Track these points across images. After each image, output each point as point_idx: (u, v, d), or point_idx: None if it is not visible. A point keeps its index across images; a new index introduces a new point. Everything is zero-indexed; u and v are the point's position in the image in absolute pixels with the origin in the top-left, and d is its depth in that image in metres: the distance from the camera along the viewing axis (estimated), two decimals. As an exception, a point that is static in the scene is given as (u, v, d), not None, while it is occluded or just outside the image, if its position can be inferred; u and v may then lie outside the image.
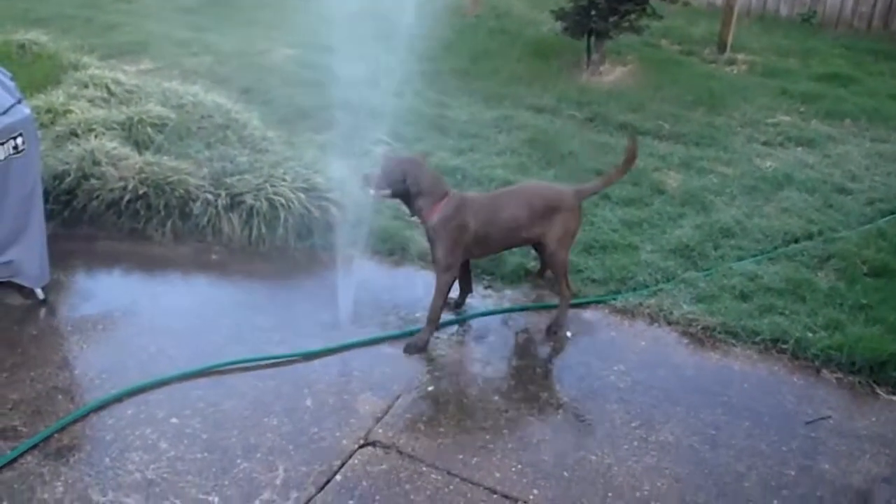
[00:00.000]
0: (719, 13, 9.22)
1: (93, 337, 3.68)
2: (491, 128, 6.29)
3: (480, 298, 4.18)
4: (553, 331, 3.92)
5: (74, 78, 6.01)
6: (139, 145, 5.03)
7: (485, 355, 3.75)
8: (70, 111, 5.35)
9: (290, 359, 3.61)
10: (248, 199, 4.47)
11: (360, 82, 7.08)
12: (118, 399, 3.28)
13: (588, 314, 4.11)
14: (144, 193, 4.49)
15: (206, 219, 4.46)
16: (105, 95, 5.81)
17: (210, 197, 4.49)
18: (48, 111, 5.35)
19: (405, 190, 3.63)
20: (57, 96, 5.58)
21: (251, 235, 4.44)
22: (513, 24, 9.14)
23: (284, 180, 4.58)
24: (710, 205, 5.24)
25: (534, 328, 3.99)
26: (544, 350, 3.85)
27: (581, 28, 7.64)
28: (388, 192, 3.65)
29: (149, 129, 5.18)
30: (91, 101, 5.64)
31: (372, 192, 3.68)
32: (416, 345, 3.72)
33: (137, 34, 8.26)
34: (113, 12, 9.21)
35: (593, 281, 4.33)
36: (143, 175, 4.55)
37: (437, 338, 3.83)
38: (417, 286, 4.21)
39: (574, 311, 4.09)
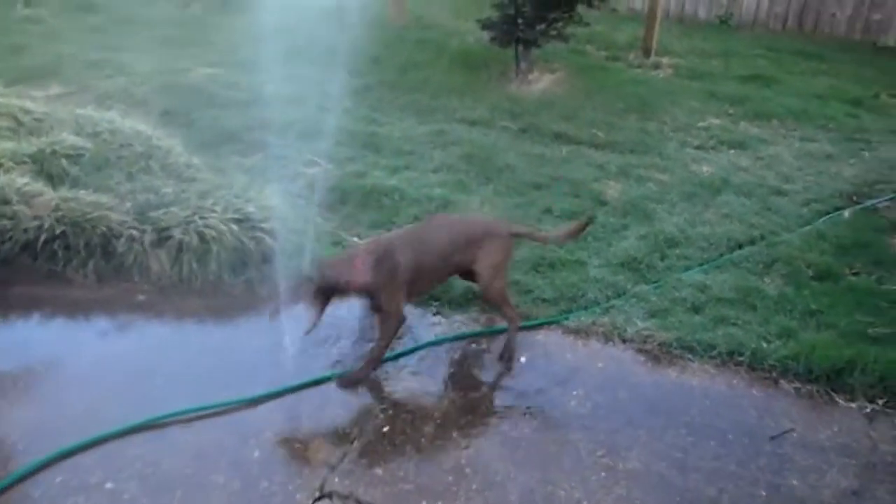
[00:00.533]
0: (640, 17, 9.31)
1: (12, 395, 3.36)
2: (425, 144, 6.13)
3: (429, 326, 4.01)
4: (506, 357, 3.78)
5: (-23, 108, 5.60)
6: (53, 179, 4.70)
7: (439, 387, 3.58)
8: (-27, 145, 4.98)
9: (232, 406, 3.37)
10: (177, 234, 4.20)
11: (285, 101, 6.85)
12: (45, 465, 2.99)
13: (541, 336, 3.98)
14: (62, 233, 4.17)
15: (131, 257, 4.17)
16: (13, 125, 5.42)
17: (135, 233, 4.21)
18: (-51, 146, 4.97)
19: (329, 289, 3.48)
20: (-42, 129, 5.19)
21: (182, 272, 4.17)
22: (438, 35, 9.02)
23: (214, 211, 4.33)
24: (652, 214, 5.19)
25: (487, 355, 3.84)
26: (500, 379, 3.69)
27: (508, 37, 7.56)
28: (320, 307, 3.49)
29: (63, 161, 4.84)
30: (-4, 132, 5.26)
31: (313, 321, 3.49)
32: (352, 380, 3.54)
33: (45, 56, 7.81)
34: (17, 33, 8.70)
35: (544, 300, 4.21)
36: (60, 213, 4.23)
37: (388, 371, 3.65)
38: (364, 317, 4.01)
39: (527, 334, 3.96)
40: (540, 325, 4.05)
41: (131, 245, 4.18)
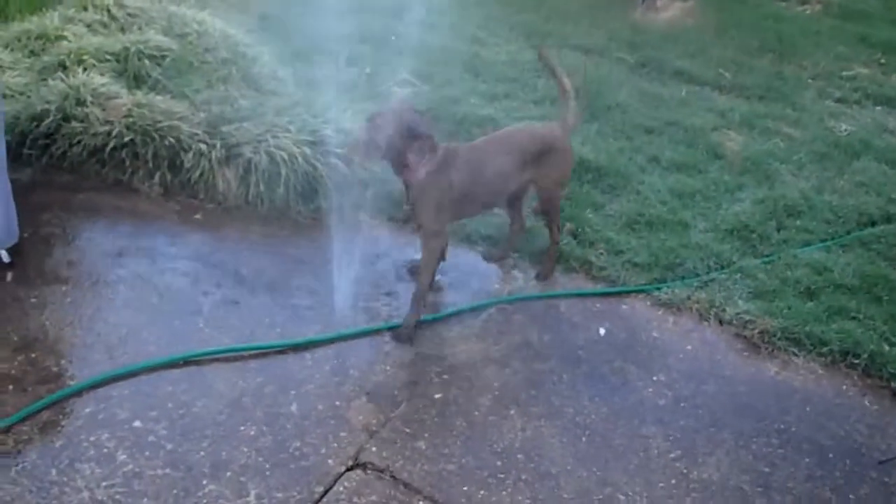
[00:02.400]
0: (794, -56, 8.30)
1: (58, 312, 3.21)
2: (530, 71, 5.63)
3: (504, 282, 3.65)
4: (541, 276, 3.66)
5: (74, -2, 5.44)
6: (133, 80, 4.50)
7: (504, 355, 3.23)
8: (63, 37, 4.82)
9: (278, 349, 3.14)
10: (247, 152, 3.94)
11: (388, 11, 6.44)
12: (76, 393, 2.84)
13: (627, 306, 3.57)
14: (131, 140, 3.98)
15: (198, 172, 3.94)
16: (105, 19, 5.24)
17: (204, 147, 3.96)
18: (39, 37, 4.84)
19: (401, 141, 3.03)
20: (51, 19, 5.05)
21: (248, 194, 3.92)
22: (563, -51, 8.32)
23: (289, 131, 4.03)
24: (774, 174, 4.60)
25: (565, 320, 3.46)
26: (575, 351, 3.30)
27: (639, -43, 6.87)
28: (380, 150, 3.07)
29: (146, 62, 4.63)
30: (89, 25, 5.10)
31: (359, 158, 3.25)
32: (406, 332, 3.23)
33: (153, -53, 7.61)
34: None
35: (635, 265, 3.77)
36: (131, 119, 4.03)
37: (452, 329, 3.33)
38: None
39: (611, 302, 3.56)
40: (627, 293, 3.63)
41: (199, 160, 3.95)
